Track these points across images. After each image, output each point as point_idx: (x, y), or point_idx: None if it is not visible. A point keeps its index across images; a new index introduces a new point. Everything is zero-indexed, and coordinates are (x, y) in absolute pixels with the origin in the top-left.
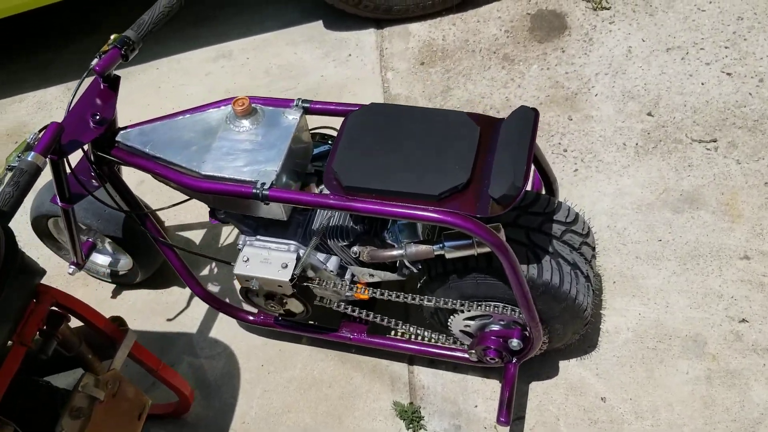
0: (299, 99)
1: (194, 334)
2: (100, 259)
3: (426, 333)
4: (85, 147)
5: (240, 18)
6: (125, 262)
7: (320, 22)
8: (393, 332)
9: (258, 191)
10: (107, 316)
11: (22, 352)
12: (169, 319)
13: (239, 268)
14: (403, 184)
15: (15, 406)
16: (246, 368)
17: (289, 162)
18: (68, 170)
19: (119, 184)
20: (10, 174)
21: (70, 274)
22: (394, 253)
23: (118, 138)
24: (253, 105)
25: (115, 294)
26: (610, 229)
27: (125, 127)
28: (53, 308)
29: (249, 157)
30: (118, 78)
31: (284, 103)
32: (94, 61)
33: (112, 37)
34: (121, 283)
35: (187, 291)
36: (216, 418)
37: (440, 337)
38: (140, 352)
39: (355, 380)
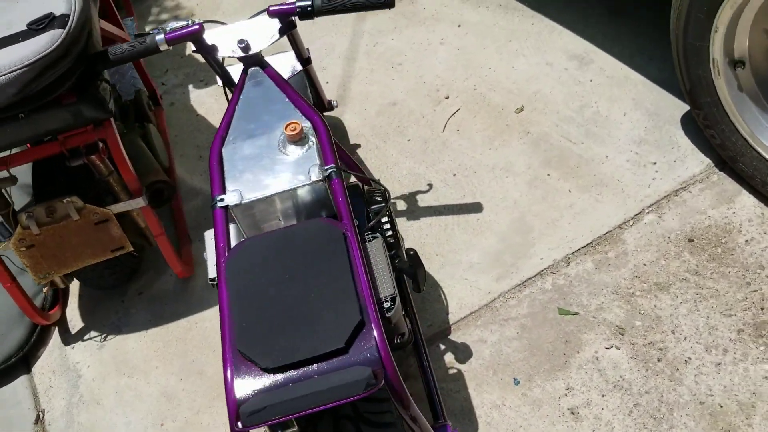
0: (332, 167)
1: None
2: None
3: None
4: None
5: (640, 42)
6: None
7: (685, 108)
8: None
9: (213, 201)
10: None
11: (55, 149)
12: None
13: None
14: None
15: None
16: None
17: (268, 204)
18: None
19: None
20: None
21: None
22: None
23: (248, 71)
24: (305, 133)
25: None
26: None
27: (265, 66)
28: (100, 141)
29: (255, 172)
30: (293, 25)
31: (328, 156)
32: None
33: None
34: None
35: None
36: (191, 302)
37: None
38: (147, 215)
39: None
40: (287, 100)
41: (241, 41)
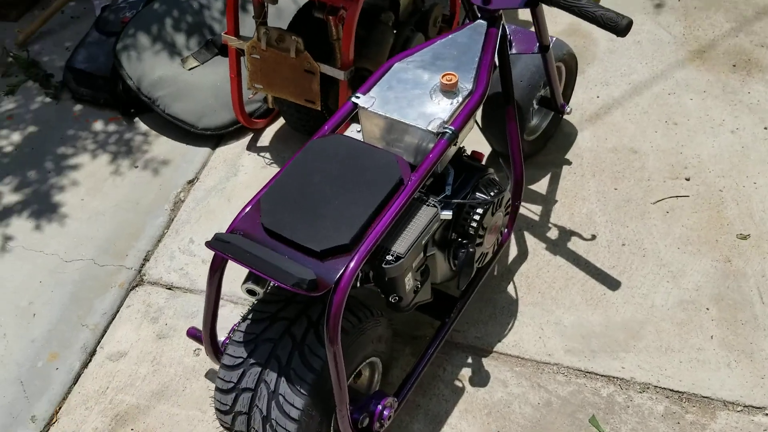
0: (451, 129)
1: None
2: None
3: None
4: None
5: None
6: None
7: None
8: None
9: (353, 94)
10: None
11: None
12: None
13: None
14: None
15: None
16: None
17: (385, 125)
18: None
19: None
20: None
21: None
22: None
23: (477, 21)
24: (457, 90)
25: None
26: None
27: (492, 25)
28: (343, 9)
29: (398, 94)
30: (535, 2)
31: (457, 120)
32: None
33: None
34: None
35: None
36: None
37: None
38: (341, 88)
39: None
40: (476, 59)
41: None
